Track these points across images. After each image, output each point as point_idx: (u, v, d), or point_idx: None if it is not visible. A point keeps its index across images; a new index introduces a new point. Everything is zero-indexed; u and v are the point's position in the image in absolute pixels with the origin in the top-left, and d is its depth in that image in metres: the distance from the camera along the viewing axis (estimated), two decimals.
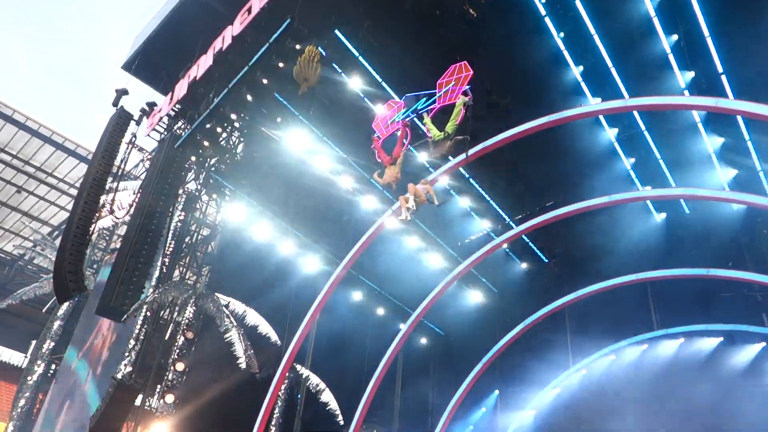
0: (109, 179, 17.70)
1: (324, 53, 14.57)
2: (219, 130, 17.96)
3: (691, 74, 13.95)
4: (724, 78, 13.42)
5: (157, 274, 18.10)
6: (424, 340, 23.67)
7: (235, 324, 17.66)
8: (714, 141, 15.37)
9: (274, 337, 18.29)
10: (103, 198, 17.18)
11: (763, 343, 16.62)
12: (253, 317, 18.28)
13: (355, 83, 15.98)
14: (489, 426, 21.54)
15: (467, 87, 8.89)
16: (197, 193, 19.65)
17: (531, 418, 20.26)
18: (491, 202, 19.59)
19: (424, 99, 9.58)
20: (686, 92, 13.84)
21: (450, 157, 14.59)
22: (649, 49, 13.90)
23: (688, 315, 17.98)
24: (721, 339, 17.46)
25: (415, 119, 9.93)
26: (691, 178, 15.74)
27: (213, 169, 19.33)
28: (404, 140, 9.48)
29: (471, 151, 13.53)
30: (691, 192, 15.20)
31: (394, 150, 9.42)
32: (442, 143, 8.89)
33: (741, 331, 16.93)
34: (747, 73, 13.35)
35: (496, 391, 21.99)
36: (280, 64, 15.56)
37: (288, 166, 18.96)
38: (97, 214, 16.88)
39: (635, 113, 15.27)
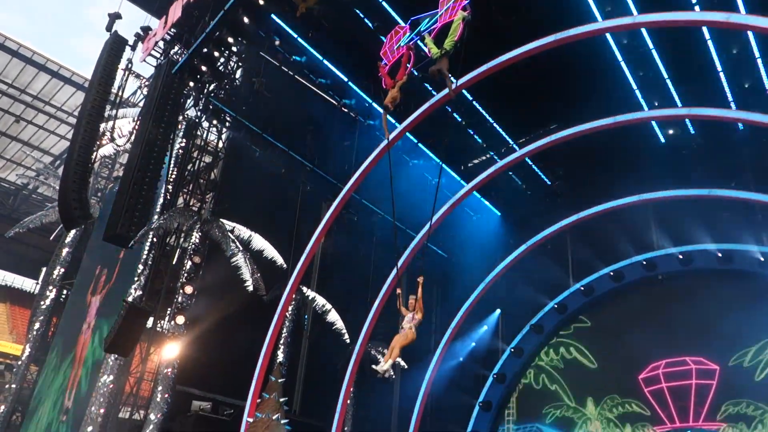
0: (108, 107, 17.50)
1: None
2: (216, 54, 17.55)
3: None
4: None
5: (161, 201, 18.20)
6: (427, 263, 24.04)
7: (240, 248, 17.92)
8: (723, 58, 15.00)
9: (279, 260, 18.58)
10: (102, 126, 17.02)
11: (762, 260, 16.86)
12: (259, 242, 18.49)
13: (355, 3, 15.47)
14: (490, 343, 22.30)
15: (467, 2, 8.64)
16: (197, 120, 19.46)
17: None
18: (495, 125, 19.40)
19: (428, 19, 9.37)
20: (696, 7, 13.39)
21: (453, 78, 14.35)
22: None
23: (688, 234, 18.19)
24: (720, 258, 17.70)
25: (419, 41, 9.72)
26: (698, 98, 15.47)
27: (212, 95, 19.05)
28: (407, 64, 9.32)
29: (472, 74, 13.33)
30: (696, 112, 15.02)
31: (398, 73, 9.28)
32: (439, 61, 8.72)
33: (740, 251, 17.14)
34: None
35: (498, 311, 22.61)
36: None
37: (288, 90, 18.68)
38: (98, 142, 16.80)
39: (643, 31, 14.84)
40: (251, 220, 18.88)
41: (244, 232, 18.45)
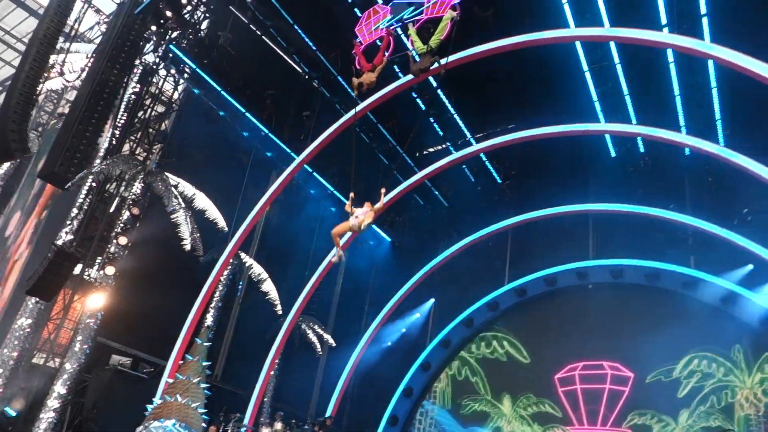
0: (61, 39, 16.57)
1: None
2: (184, 1, 16.90)
3: (673, 12, 13.85)
4: (705, 20, 13.42)
5: (105, 145, 17.45)
6: (370, 243, 24.08)
7: (182, 205, 17.41)
8: (682, 83, 15.56)
9: (221, 222, 18.14)
10: (53, 58, 16.11)
11: (685, 283, 17.67)
12: (202, 201, 17.99)
13: None
14: (421, 330, 22.60)
15: (457, 1, 8.50)
16: (155, 67, 18.70)
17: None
18: (456, 116, 19.49)
19: (412, 8, 9.14)
20: (665, 29, 13.79)
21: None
22: None
23: (622, 249, 18.88)
24: (648, 275, 18.46)
25: (399, 29, 9.54)
26: (652, 118, 16.00)
27: (174, 42, 18.33)
28: (386, 49, 9.12)
29: (442, 61, 13.26)
30: (648, 131, 15.51)
31: (375, 58, 9.07)
32: (423, 57, 8.59)
33: (668, 270, 17.92)
34: (726, 19, 13.36)
35: (432, 300, 22.93)
36: None
37: (254, 51, 18.20)
38: (46, 74, 15.91)
39: (612, 45, 15.19)
40: (198, 178, 18.34)
41: (188, 189, 17.91)
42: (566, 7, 14.51)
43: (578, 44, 15.60)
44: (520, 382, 20.10)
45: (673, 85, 15.64)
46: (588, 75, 16.48)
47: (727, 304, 16.74)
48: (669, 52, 14.70)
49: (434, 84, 18.47)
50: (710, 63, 14.33)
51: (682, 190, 17.87)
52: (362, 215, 8.81)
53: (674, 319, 17.38)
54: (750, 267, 16.52)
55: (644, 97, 16.30)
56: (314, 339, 21.17)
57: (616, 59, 15.77)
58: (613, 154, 19.14)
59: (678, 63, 15.08)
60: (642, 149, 18.65)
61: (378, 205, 8.89)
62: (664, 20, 13.82)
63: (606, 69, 16.11)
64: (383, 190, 8.92)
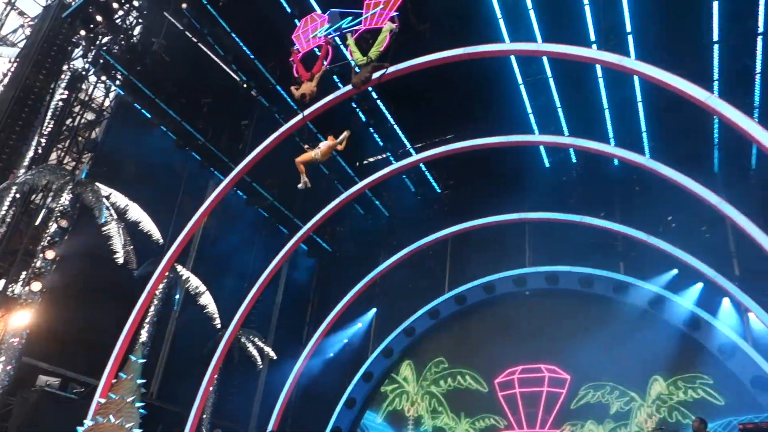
0: None
1: None
2: (115, 6, 16.39)
3: (602, 29, 14.49)
4: (630, 38, 14.08)
5: (31, 154, 16.68)
6: (310, 254, 23.91)
7: (115, 217, 16.87)
8: (609, 98, 16.28)
9: (156, 235, 17.69)
10: None
11: (615, 288, 18.41)
12: (136, 212, 17.50)
13: None
14: (363, 341, 22.57)
15: (396, 13, 8.57)
16: (84, 73, 18.04)
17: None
18: (396, 126, 19.66)
19: (350, 18, 9.16)
20: (594, 46, 14.39)
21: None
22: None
23: (557, 255, 19.48)
24: (581, 280, 19.12)
25: (337, 38, 9.53)
26: (583, 130, 16.65)
27: (104, 48, 17.71)
28: (325, 59, 9.12)
29: (378, 74, 13.38)
30: (579, 143, 16.08)
31: (314, 66, 9.05)
32: (363, 68, 8.62)
33: (599, 276, 18.61)
34: (650, 37, 14.09)
35: (374, 309, 22.94)
36: None
37: (190, 58, 17.81)
38: None
39: (545, 59, 15.71)
40: (131, 189, 17.80)
41: (121, 200, 17.36)
42: (501, 22, 14.92)
43: (513, 58, 16.06)
44: (460, 390, 20.31)
45: (602, 99, 16.34)
46: (522, 88, 16.97)
47: (654, 307, 17.55)
48: (598, 67, 15.34)
49: (374, 95, 18.56)
50: (636, 78, 15.07)
51: (612, 199, 18.65)
52: (323, 146, 9.35)
53: (608, 324, 18.10)
54: (675, 272, 17.37)
55: (576, 109, 16.95)
56: (254, 352, 20.81)
57: (549, 73, 16.32)
58: (547, 164, 19.76)
59: (606, 78, 15.78)
60: (574, 159, 19.35)
61: (338, 141, 9.44)
62: (593, 37, 14.45)
63: (540, 82, 16.68)
64: (347, 133, 9.52)
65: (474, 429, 19.71)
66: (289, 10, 15.96)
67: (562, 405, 18.62)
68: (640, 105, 16.10)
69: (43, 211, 16.74)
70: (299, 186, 9.52)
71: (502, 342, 19.88)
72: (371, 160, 21.14)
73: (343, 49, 9.14)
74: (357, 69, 8.68)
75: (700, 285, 16.90)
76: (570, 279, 19.38)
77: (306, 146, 9.60)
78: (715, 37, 14.12)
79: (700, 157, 16.75)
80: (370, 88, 17.32)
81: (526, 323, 19.81)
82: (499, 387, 19.77)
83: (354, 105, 18.78)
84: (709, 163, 17.38)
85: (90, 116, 19.41)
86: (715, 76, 14.66)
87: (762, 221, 12.72)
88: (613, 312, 18.15)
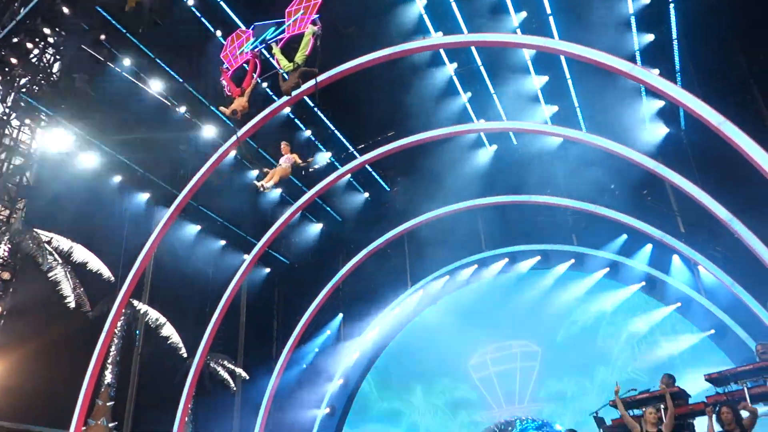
0: None
1: None
2: (30, 45, 15.75)
3: (523, 14, 14.79)
4: (551, 19, 14.43)
5: None
6: (268, 270, 23.65)
7: (60, 261, 16.29)
8: (540, 79, 16.66)
9: (106, 273, 17.17)
10: None
11: (572, 260, 18.97)
12: (81, 253, 16.94)
13: (192, 2, 14.78)
14: (333, 347, 22.51)
15: (316, 16, 8.66)
16: (5, 118, 17.29)
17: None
18: (336, 132, 19.62)
19: (273, 28, 9.20)
20: (518, 31, 14.69)
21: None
22: None
23: (511, 237, 19.88)
24: (539, 258, 19.61)
25: (264, 50, 9.51)
26: (520, 113, 17.01)
27: (24, 90, 17.01)
28: (254, 72, 9.15)
29: (311, 83, 13.32)
30: (518, 125, 16.47)
31: (244, 81, 9.07)
32: (292, 75, 8.68)
33: (555, 250, 19.10)
34: (571, 17, 14.47)
35: (340, 315, 22.91)
36: None
37: (116, 89, 17.28)
38: None
39: (473, 49, 15.95)
40: (72, 230, 17.21)
41: (63, 243, 16.77)
42: (426, 18, 15.06)
43: (442, 51, 16.24)
44: (433, 375, 20.53)
45: (533, 81, 16.70)
46: (455, 78, 17.17)
47: (610, 275, 18.16)
48: (525, 51, 15.68)
49: (310, 103, 18.47)
50: (562, 57, 15.46)
51: (556, 175, 19.10)
52: (285, 162, 9.91)
53: (566, 292, 18.64)
54: (624, 237, 17.97)
55: (509, 94, 17.25)
56: (226, 375, 20.50)
57: (479, 62, 16.58)
58: (489, 149, 20.09)
59: (534, 60, 16.14)
60: (515, 142, 19.74)
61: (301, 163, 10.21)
62: (515, 23, 14.75)
63: (471, 72, 16.92)
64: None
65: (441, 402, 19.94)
66: (212, 29, 15.72)
67: (537, 377, 19.03)
68: (569, 82, 16.53)
69: None
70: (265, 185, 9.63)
71: (471, 328, 20.13)
72: (316, 167, 21.01)
73: (274, 61, 9.16)
74: (285, 76, 8.76)
75: (649, 246, 17.53)
76: (528, 257, 19.83)
77: (264, 170, 9.72)
78: (631, 11, 14.63)
79: (633, 125, 17.31)
80: (305, 97, 17.22)
81: (492, 306, 20.14)
82: (473, 369, 20.01)
83: (291, 115, 18.63)
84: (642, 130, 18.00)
85: (18, 161, 18.63)
86: (636, 47, 15.19)
87: (697, 178, 13.27)
88: (571, 283, 18.68)
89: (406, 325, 21.72)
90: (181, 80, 16.95)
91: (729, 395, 9.61)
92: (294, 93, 10.11)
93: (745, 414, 8.23)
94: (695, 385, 10.79)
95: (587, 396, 17.71)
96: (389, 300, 21.34)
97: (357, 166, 18.24)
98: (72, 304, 15.91)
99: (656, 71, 13.50)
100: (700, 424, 9.09)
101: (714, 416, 8.03)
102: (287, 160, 10.03)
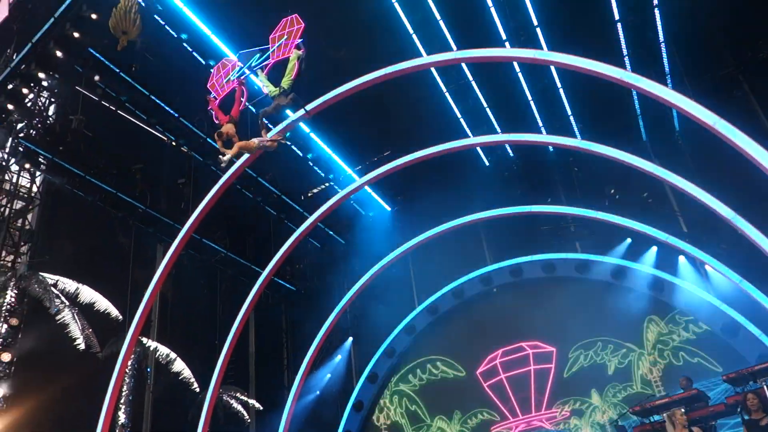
0: None
1: (143, 3, 13.42)
2: (25, 91, 15.92)
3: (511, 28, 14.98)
4: (539, 30, 14.59)
5: None
6: (275, 297, 23.60)
7: (67, 303, 16.29)
8: (532, 90, 16.81)
9: (114, 312, 17.17)
10: None
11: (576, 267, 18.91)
12: (88, 294, 16.96)
13: (184, 36, 14.97)
14: (346, 371, 22.39)
15: (300, 40, 8.86)
16: (4, 163, 17.43)
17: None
18: (334, 154, 19.73)
19: (258, 55, 9.41)
20: (507, 44, 14.83)
21: (289, 112, 14.44)
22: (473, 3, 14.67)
23: (515, 249, 19.85)
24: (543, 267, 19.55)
25: (251, 77, 9.69)
26: (513, 124, 17.12)
27: (21, 135, 17.15)
28: (241, 99, 9.36)
29: (310, 106, 13.46)
30: (513, 137, 16.56)
31: (232, 109, 9.25)
32: (278, 99, 8.85)
33: (560, 259, 19.05)
34: (557, 27, 14.64)
35: (350, 338, 22.81)
36: (93, 15, 14.11)
37: (112, 128, 17.44)
38: None
39: (464, 65, 16.09)
40: (77, 271, 17.23)
41: (69, 284, 16.80)
42: (415, 38, 15.23)
43: (434, 70, 16.39)
44: (453, 397, 20.29)
45: (525, 93, 16.83)
46: (448, 95, 17.30)
47: (617, 278, 18.07)
48: (515, 63, 15.82)
49: (306, 129, 18.61)
50: (552, 68, 15.61)
51: (555, 184, 19.16)
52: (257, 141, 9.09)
53: (577, 302, 18.53)
54: (629, 241, 17.93)
55: (503, 107, 17.38)
56: (239, 408, 20.36)
57: (470, 77, 16.72)
58: (486, 163, 20.16)
59: (524, 72, 16.29)
60: (511, 154, 19.82)
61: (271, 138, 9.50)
62: (504, 36, 14.91)
63: (463, 87, 17.05)
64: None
65: (467, 429, 19.65)
66: (203, 61, 15.89)
67: (554, 380, 18.55)
68: (561, 92, 16.66)
69: None
70: (223, 158, 8.86)
71: (480, 338, 20.01)
72: (315, 191, 21.12)
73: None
74: (272, 101, 8.99)
75: (654, 249, 17.48)
76: (533, 268, 19.78)
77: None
78: (617, 17, 14.79)
79: (627, 129, 17.41)
80: (302, 122, 17.34)
81: (500, 317, 20.03)
82: (483, 377, 19.70)
83: (288, 142, 18.72)
84: (637, 133, 18.09)
85: (19, 205, 18.73)
86: (624, 52, 15.33)
87: (694, 176, 13.31)
88: (579, 292, 18.58)
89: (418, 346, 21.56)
90: (176, 114, 17.09)
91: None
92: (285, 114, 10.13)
93: None
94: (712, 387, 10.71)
95: (602, 407, 17.50)
96: (398, 320, 21.27)
97: (356, 188, 18.34)
98: (82, 346, 15.86)
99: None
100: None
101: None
102: (261, 141, 9.21)
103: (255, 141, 9.01)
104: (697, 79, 16.62)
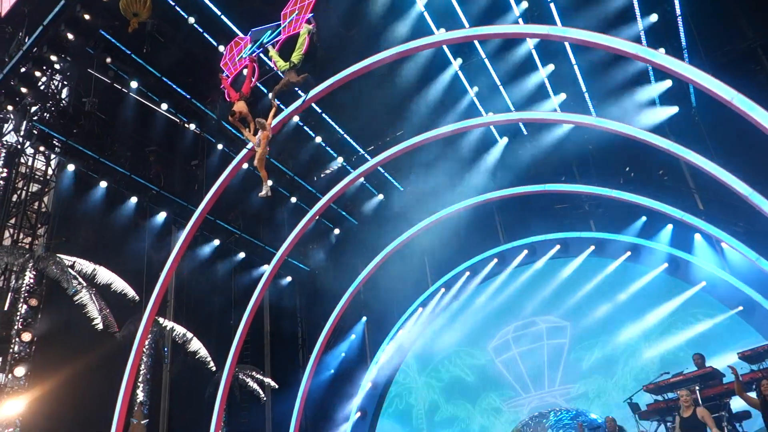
0: None
1: None
2: (38, 74, 15.99)
3: (524, 4, 14.71)
4: (552, 6, 14.33)
5: None
6: (289, 278, 23.74)
7: (84, 284, 16.47)
8: (546, 68, 16.57)
9: (131, 292, 17.35)
10: None
11: (593, 246, 18.79)
12: (105, 275, 17.12)
13: (193, 18, 14.90)
14: (359, 351, 22.56)
15: (310, 15, 8.79)
16: (20, 146, 17.58)
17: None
18: (345, 136, 19.66)
19: (270, 31, 9.36)
20: (520, 21, 14.61)
21: (300, 91, 14.39)
22: None
23: (529, 228, 19.76)
24: (558, 247, 19.47)
25: (262, 54, 9.65)
26: (528, 102, 16.92)
27: (36, 117, 17.26)
28: (252, 77, 9.34)
29: (319, 89, 13.39)
30: (527, 116, 16.38)
31: (243, 86, 9.25)
32: (288, 75, 8.81)
33: (574, 238, 18.95)
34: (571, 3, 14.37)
35: (364, 318, 22.95)
36: None
37: (125, 110, 17.49)
38: None
39: (476, 43, 15.89)
40: (94, 252, 17.43)
41: (86, 265, 16.96)
42: (426, 15, 15.04)
43: (446, 47, 16.20)
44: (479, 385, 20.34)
45: (538, 69, 16.61)
46: (461, 73, 17.12)
47: (632, 256, 17.94)
48: (529, 39, 15.60)
49: (318, 109, 18.54)
50: (566, 44, 15.36)
51: (569, 162, 18.96)
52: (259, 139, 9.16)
53: (589, 281, 18.45)
54: (644, 219, 17.76)
55: (517, 84, 17.15)
56: (255, 386, 20.62)
57: (483, 55, 16.51)
58: (500, 141, 20.00)
59: (537, 48, 16.05)
60: (525, 132, 19.62)
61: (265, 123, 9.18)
62: (517, 13, 14.67)
63: (476, 65, 16.86)
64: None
65: (480, 409, 19.68)
66: (214, 42, 15.84)
67: (567, 356, 18.47)
68: (575, 68, 16.40)
69: (9, 294, 16.28)
70: (261, 195, 9.51)
71: (494, 318, 20.02)
72: (328, 172, 21.11)
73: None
74: (282, 76, 8.98)
75: (670, 227, 17.30)
76: (547, 247, 19.70)
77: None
78: None
79: (643, 106, 17.12)
80: (313, 104, 17.27)
81: (515, 296, 19.99)
82: (494, 352, 19.69)
83: (300, 123, 18.72)
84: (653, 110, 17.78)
85: (35, 188, 18.91)
86: (640, 27, 15.02)
87: (712, 154, 13.11)
88: (592, 270, 18.50)
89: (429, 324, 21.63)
90: (188, 96, 17.09)
91: (764, 372, 9.51)
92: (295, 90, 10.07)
93: None
94: (727, 364, 10.61)
95: (616, 384, 17.48)
96: (411, 300, 21.36)
97: (369, 168, 18.27)
98: (99, 326, 16.08)
99: (662, 50, 13.40)
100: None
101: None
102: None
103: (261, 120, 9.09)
104: (715, 54, 16.26)
